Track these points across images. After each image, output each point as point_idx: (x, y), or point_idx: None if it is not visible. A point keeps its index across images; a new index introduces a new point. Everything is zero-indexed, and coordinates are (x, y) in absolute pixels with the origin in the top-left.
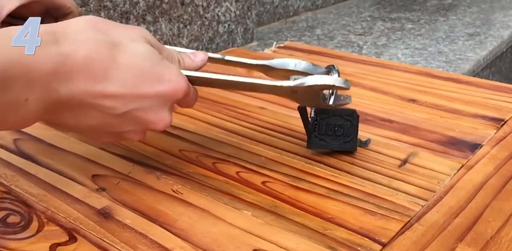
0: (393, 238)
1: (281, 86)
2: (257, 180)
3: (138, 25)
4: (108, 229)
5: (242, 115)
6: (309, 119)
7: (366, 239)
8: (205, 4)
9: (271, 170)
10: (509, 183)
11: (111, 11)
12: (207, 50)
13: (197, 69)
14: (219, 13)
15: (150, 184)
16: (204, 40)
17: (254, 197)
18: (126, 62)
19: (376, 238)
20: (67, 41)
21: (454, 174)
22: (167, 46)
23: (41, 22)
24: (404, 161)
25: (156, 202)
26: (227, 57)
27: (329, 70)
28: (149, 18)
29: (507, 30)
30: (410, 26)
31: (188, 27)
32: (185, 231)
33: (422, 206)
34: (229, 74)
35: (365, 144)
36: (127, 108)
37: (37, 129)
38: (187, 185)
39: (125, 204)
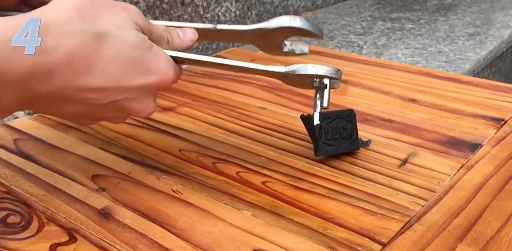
0: (393, 238)
1: (272, 71)
2: (257, 180)
3: None
4: (108, 229)
5: (242, 115)
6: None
7: (366, 239)
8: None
9: (271, 170)
10: (509, 183)
11: None
12: (207, 50)
13: (185, 49)
14: (219, 13)
15: (150, 184)
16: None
17: (254, 197)
18: (111, 54)
19: (376, 238)
20: (48, 35)
21: (454, 174)
22: (157, 23)
23: (18, 11)
24: (404, 161)
25: (156, 202)
26: (219, 26)
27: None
28: (149, 18)
29: (507, 30)
30: (410, 26)
31: None
32: (185, 231)
33: (422, 206)
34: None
35: (366, 144)
36: (111, 99)
37: (38, 129)
38: (187, 185)
39: (125, 204)
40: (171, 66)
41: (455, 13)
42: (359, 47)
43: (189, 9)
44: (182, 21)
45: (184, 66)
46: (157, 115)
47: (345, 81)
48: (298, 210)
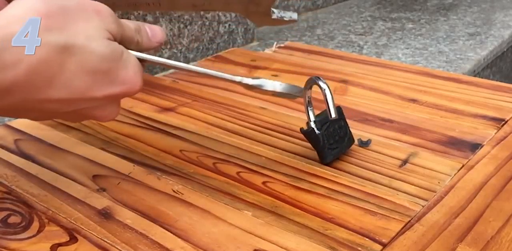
0: (394, 238)
1: (239, 82)
2: (257, 180)
3: None
4: (109, 230)
5: (243, 115)
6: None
7: (367, 239)
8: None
9: (272, 170)
10: (509, 183)
11: None
12: (207, 50)
13: (152, 49)
14: (220, 13)
15: (150, 185)
16: (205, 40)
17: (255, 197)
18: (76, 67)
19: (377, 238)
20: (7, 50)
21: (455, 174)
22: (128, 22)
23: None
24: (405, 161)
25: (157, 203)
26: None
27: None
28: (149, 18)
29: (508, 30)
30: (410, 26)
31: (188, 27)
32: (185, 231)
33: (423, 206)
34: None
35: (366, 144)
36: (72, 108)
37: (38, 130)
38: (188, 185)
39: (126, 205)
40: (139, 74)
41: (455, 13)
42: (359, 47)
43: None
44: (182, 21)
45: None
46: (157, 115)
47: (345, 81)
48: (298, 210)
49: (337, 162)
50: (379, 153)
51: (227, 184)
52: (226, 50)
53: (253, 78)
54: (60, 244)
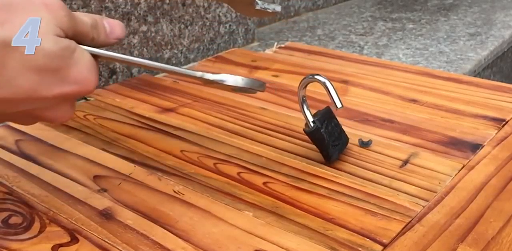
0: (394, 239)
1: (200, 78)
2: (258, 180)
3: (140, 26)
4: (110, 230)
5: (243, 116)
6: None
7: (367, 239)
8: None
9: (272, 171)
10: (510, 184)
11: (112, 12)
12: (208, 50)
13: (109, 45)
14: (220, 14)
15: (151, 185)
16: (205, 40)
17: (255, 198)
18: (18, 65)
19: (377, 239)
20: None
21: (455, 175)
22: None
23: None
24: (405, 162)
25: (158, 203)
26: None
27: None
28: (150, 19)
29: (508, 30)
30: (411, 26)
31: (189, 27)
32: (186, 232)
33: (423, 207)
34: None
35: (367, 144)
36: (21, 109)
37: (39, 130)
38: (188, 185)
39: (127, 205)
40: (94, 72)
41: (456, 13)
42: (360, 48)
43: (190, 10)
44: (183, 22)
45: None
46: (158, 116)
47: (345, 82)
48: (299, 210)
49: (337, 162)
50: (380, 153)
51: (227, 185)
52: (227, 51)
53: (214, 73)
54: (61, 245)
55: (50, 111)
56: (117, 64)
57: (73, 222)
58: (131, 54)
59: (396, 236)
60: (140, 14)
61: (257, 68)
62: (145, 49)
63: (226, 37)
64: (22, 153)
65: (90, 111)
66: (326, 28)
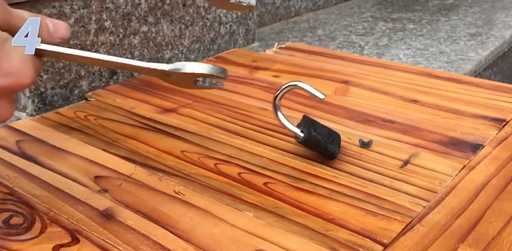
0: (395, 239)
1: (154, 69)
2: (259, 181)
3: (140, 26)
4: (111, 230)
5: (243, 116)
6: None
7: (368, 240)
8: (206, 5)
9: (273, 171)
10: (510, 184)
11: (113, 13)
12: (208, 51)
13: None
14: (221, 14)
15: (152, 185)
16: (206, 41)
17: (256, 198)
18: None
19: (378, 239)
20: None
21: (456, 175)
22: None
23: None
24: (406, 162)
25: (158, 203)
26: None
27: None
28: (150, 19)
29: (509, 30)
30: (411, 26)
31: (189, 28)
32: (187, 232)
33: (424, 207)
34: (90, 51)
35: (367, 145)
36: None
37: (40, 131)
38: (189, 186)
39: (127, 206)
40: (29, 64)
41: (456, 14)
42: (360, 48)
43: (191, 10)
44: (183, 22)
45: None
46: (158, 116)
47: (346, 82)
48: (299, 211)
49: (338, 162)
50: (380, 153)
51: (228, 185)
52: (227, 51)
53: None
54: (62, 245)
55: None
56: None
57: (74, 222)
58: (132, 55)
59: (397, 236)
60: (140, 14)
61: (257, 68)
62: (145, 50)
63: (227, 37)
64: (23, 154)
65: (91, 111)
66: (327, 29)
